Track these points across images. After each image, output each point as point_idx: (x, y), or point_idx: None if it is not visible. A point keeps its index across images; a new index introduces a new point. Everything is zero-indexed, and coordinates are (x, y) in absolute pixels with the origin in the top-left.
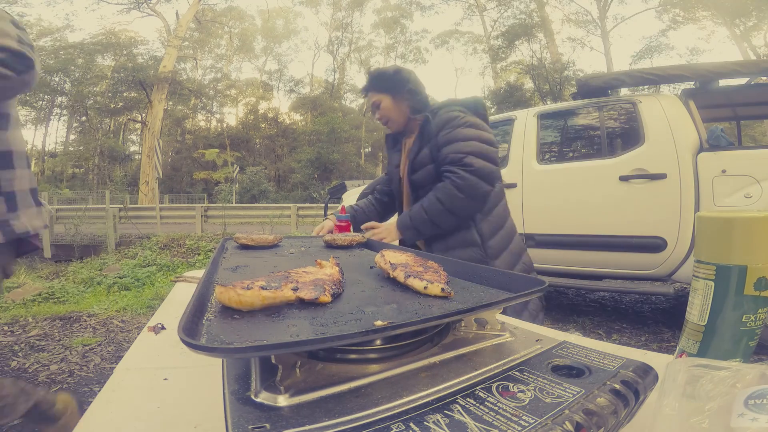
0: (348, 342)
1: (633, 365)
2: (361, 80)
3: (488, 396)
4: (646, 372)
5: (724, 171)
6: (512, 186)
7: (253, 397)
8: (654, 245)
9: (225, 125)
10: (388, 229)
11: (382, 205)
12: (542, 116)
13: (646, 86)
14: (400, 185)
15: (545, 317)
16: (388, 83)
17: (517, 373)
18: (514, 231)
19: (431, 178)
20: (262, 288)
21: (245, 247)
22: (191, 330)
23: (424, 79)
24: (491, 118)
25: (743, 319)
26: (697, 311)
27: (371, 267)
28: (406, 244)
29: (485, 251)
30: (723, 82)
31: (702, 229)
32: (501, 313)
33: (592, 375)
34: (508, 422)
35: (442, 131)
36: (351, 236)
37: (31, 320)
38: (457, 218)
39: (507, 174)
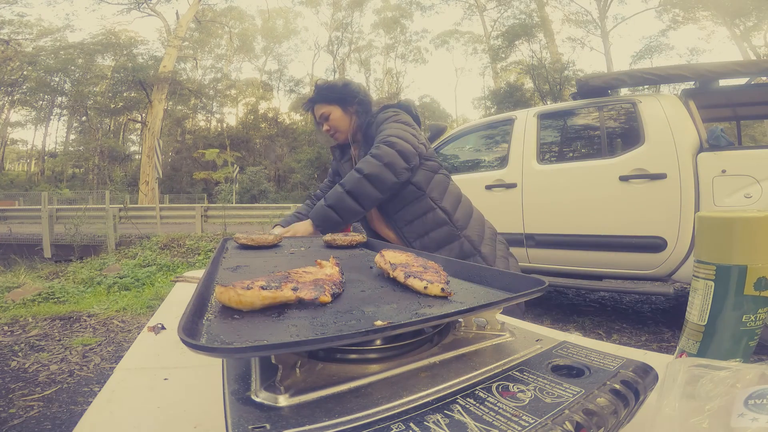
0: (348, 342)
1: (633, 365)
2: (361, 80)
3: (488, 396)
4: (646, 372)
5: (724, 171)
6: (512, 186)
7: (253, 397)
8: (654, 245)
9: (225, 125)
10: (301, 224)
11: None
12: (542, 116)
13: (646, 86)
14: None
15: (545, 317)
16: (338, 94)
17: (517, 373)
18: (470, 203)
19: None
20: (262, 288)
21: (245, 247)
22: (191, 330)
23: (424, 79)
24: (491, 118)
25: (743, 319)
26: (697, 311)
27: (371, 267)
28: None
29: (455, 225)
30: (723, 82)
31: (702, 229)
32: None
33: (592, 375)
34: (508, 422)
35: (379, 128)
36: (351, 236)
37: (31, 320)
38: (376, 190)
39: (507, 174)
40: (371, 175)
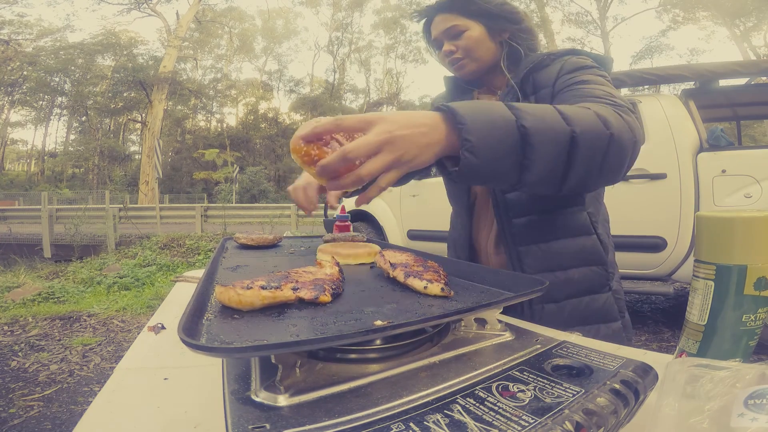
0: (348, 342)
1: (633, 365)
2: (361, 80)
3: (488, 396)
4: (646, 372)
5: (724, 171)
6: None
7: (253, 396)
8: (654, 245)
9: (225, 125)
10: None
11: None
12: None
13: (646, 86)
14: None
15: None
16: (489, 8)
17: (517, 372)
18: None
19: None
20: (262, 288)
21: (245, 247)
22: (191, 330)
23: (424, 79)
24: None
25: (743, 319)
26: (697, 311)
27: (371, 267)
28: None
29: (606, 270)
30: (723, 82)
31: (702, 229)
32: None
33: (592, 375)
34: (508, 422)
35: (569, 74)
36: (351, 236)
37: (31, 320)
38: (586, 162)
39: None
40: (600, 135)
